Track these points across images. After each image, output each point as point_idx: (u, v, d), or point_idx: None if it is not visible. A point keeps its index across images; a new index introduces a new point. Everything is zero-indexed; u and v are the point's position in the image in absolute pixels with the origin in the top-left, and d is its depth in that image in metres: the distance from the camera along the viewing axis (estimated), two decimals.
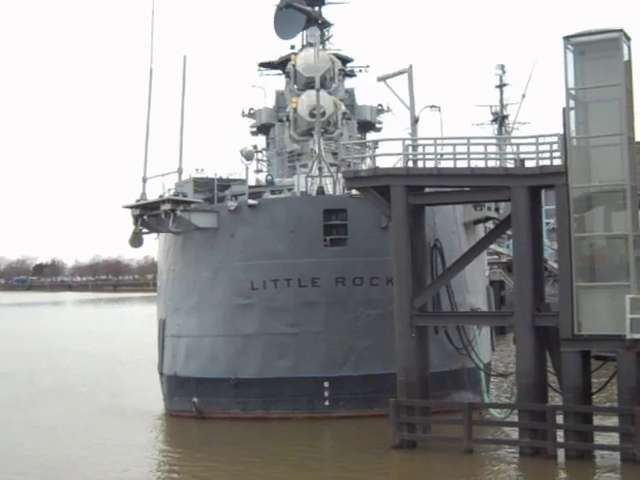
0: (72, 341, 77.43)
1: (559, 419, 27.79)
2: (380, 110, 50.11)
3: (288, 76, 47.80)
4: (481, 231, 38.23)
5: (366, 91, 56.05)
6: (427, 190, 31.43)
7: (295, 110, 44.52)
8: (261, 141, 50.08)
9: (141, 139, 35.70)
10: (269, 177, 38.56)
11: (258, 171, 40.51)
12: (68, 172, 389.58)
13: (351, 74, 51.00)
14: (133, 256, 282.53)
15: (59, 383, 49.02)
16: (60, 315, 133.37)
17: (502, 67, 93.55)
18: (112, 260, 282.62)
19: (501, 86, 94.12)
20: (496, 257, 62.29)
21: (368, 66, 51.31)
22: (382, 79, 34.73)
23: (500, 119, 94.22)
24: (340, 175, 34.67)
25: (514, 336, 29.39)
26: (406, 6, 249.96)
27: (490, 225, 38.62)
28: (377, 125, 49.98)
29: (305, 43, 49.31)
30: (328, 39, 49.11)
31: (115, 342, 75.00)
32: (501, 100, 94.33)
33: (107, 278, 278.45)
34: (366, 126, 49.18)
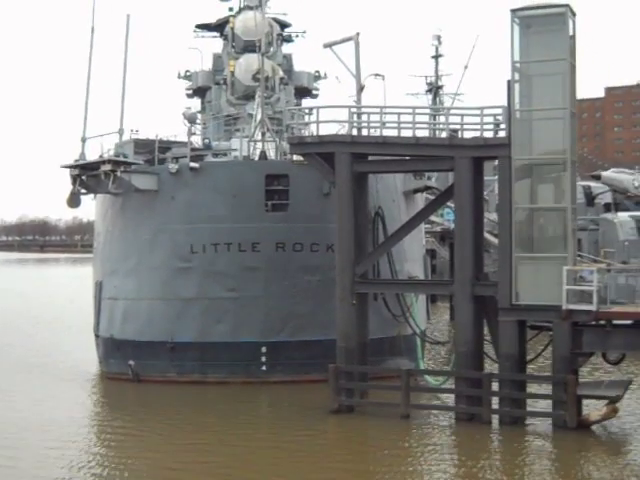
0: (1, 301, 75.91)
1: (495, 387, 28.19)
2: (317, 77, 50.06)
3: (226, 39, 47.55)
4: (420, 200, 38.54)
5: (303, 57, 55.85)
6: (371, 158, 31.51)
7: (233, 73, 44.15)
8: (196, 104, 49.82)
9: (79, 99, 34.96)
10: (206, 140, 38.09)
11: (191, 134, 39.79)
12: None
13: (289, 39, 50.92)
14: (61, 216, 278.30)
15: None
16: None
17: (438, 38, 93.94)
18: (39, 220, 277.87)
19: (437, 57, 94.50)
20: (429, 226, 62.88)
21: (305, 32, 51.43)
22: (328, 45, 34.46)
23: (435, 90, 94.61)
24: (281, 140, 34.52)
25: (452, 304, 29.74)
26: None
27: (429, 195, 38.66)
28: (314, 92, 49.95)
29: (243, 6, 48.88)
30: (265, 3, 48.59)
31: (45, 303, 73.87)
32: (436, 71, 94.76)
33: (34, 238, 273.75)
34: (303, 92, 49.17)
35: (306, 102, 49.73)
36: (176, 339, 34.65)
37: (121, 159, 33.39)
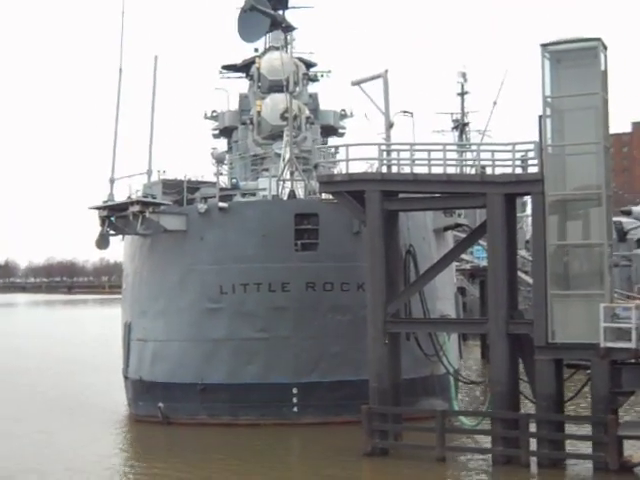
0: (32, 343, 76.10)
1: (532, 428, 27.54)
2: (343, 115, 50.09)
3: (252, 79, 47.60)
4: (449, 237, 38.19)
5: (328, 95, 56.06)
6: (401, 196, 31.24)
7: (259, 113, 44.23)
8: (223, 144, 49.69)
9: (108, 139, 35.11)
10: (234, 180, 38.06)
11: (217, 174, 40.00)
12: (24, 171, 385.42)
13: (314, 79, 51.01)
14: (88, 258, 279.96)
15: (21, 385, 48.18)
16: (14, 317, 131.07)
17: (463, 75, 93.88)
18: (67, 262, 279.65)
19: (462, 94, 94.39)
20: (458, 264, 62.27)
21: (330, 71, 51.56)
22: (356, 83, 34.34)
23: (461, 126, 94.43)
24: (310, 179, 34.47)
25: (487, 343, 29.15)
26: (369, 11, 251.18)
27: (458, 232, 38.46)
28: (340, 130, 49.95)
29: (268, 46, 49.26)
30: (291, 43, 48.89)
31: (73, 344, 73.83)
32: (462, 108, 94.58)
33: (61, 280, 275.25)
34: (329, 131, 49.13)
35: (332, 141, 49.78)
36: (206, 380, 34.41)
37: (150, 200, 33.45)
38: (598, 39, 27.56)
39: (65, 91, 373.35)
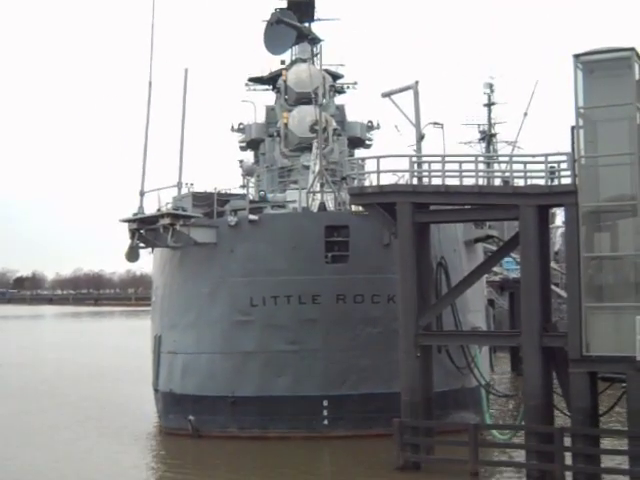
0: (61, 354, 76.52)
1: (566, 442, 27.15)
2: (370, 127, 50.01)
3: (278, 91, 47.70)
4: (479, 249, 37.88)
5: (355, 107, 56.09)
6: (432, 207, 31.08)
7: (286, 125, 44.21)
8: (250, 156, 49.75)
9: (137, 152, 35.14)
10: (262, 192, 37.91)
11: (243, 187, 39.89)
12: (54, 183, 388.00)
13: (340, 90, 51.14)
14: (115, 270, 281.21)
15: (55, 395, 48.58)
16: (41, 329, 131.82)
17: (490, 86, 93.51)
18: (94, 273, 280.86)
19: (489, 104, 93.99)
20: (487, 275, 61.82)
21: (356, 83, 51.76)
22: (387, 95, 34.15)
23: (488, 138, 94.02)
24: (340, 191, 34.40)
25: (520, 355, 28.83)
26: (394, 22, 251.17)
27: (488, 244, 38.37)
28: (367, 142, 49.86)
29: (295, 58, 49.40)
30: (317, 55, 48.91)
31: (102, 356, 74.03)
32: (489, 119, 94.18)
33: (88, 292, 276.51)
34: (356, 142, 49.03)
35: (359, 152, 49.68)
36: (236, 393, 34.26)
37: (180, 212, 33.26)
38: (632, 49, 27.23)
39: (96, 104, 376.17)
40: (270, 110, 48.08)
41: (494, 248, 38.62)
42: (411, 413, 29.15)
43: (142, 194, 34.46)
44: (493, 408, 38.29)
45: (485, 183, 30.99)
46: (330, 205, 35.19)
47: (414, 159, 30.77)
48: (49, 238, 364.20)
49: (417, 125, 34.02)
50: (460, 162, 30.14)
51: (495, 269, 61.25)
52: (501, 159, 33.68)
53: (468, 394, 34.44)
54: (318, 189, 34.79)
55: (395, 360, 29.94)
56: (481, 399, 33.46)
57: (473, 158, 30.74)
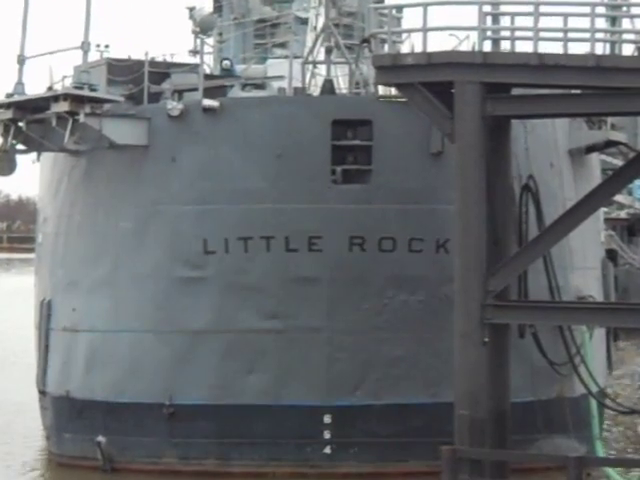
0: None
1: None
2: None
3: None
4: (596, 164, 30.43)
5: None
6: (515, 92, 23.87)
7: None
8: (207, 3, 40.58)
9: None
10: (226, 62, 29.82)
11: (194, 52, 31.58)
12: None
13: None
14: None
15: None
16: None
17: None
18: None
19: None
20: (607, 210, 49.77)
21: None
22: None
23: None
24: (359, 62, 26.91)
25: None
26: None
27: (610, 157, 30.75)
28: None
29: None
30: None
31: None
32: None
33: None
34: None
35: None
36: (177, 400, 25.85)
37: (86, 93, 24.99)
38: None
39: None
40: None
41: (619, 162, 31.31)
42: (472, 437, 22.95)
43: (22, 61, 26.62)
44: (609, 431, 30.93)
45: (608, 51, 23.83)
46: (342, 85, 27.35)
47: (486, 8, 23.04)
48: None
49: None
50: (565, 15, 22.83)
51: (620, 198, 49.61)
52: (636, 11, 24.84)
53: (569, 408, 26.99)
54: (322, 58, 26.98)
55: (446, 349, 23.41)
56: (590, 416, 26.77)
57: (588, 9, 23.07)
